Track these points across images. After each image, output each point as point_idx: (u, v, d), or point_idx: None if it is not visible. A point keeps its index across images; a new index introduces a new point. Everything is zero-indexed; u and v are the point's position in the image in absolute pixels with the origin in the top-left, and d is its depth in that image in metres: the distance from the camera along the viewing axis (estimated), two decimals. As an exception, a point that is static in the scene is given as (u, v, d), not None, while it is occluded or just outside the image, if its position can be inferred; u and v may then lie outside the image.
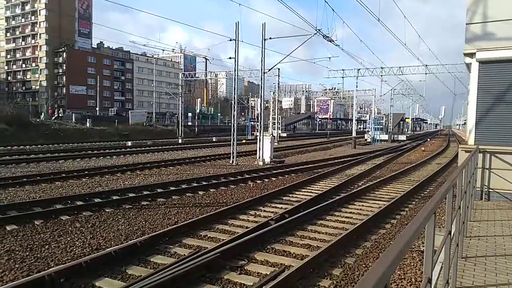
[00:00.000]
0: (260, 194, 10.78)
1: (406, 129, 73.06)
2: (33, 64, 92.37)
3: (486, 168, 8.20)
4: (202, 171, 15.77)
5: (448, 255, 3.10)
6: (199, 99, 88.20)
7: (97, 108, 70.34)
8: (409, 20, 24.65)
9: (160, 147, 27.42)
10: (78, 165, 17.01)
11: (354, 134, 35.65)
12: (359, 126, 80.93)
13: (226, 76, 44.35)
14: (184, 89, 49.87)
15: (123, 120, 54.85)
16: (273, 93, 42.05)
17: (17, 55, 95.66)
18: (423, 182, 13.21)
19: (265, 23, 19.43)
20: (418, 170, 17.57)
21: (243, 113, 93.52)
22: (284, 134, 49.08)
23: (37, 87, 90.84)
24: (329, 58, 31.70)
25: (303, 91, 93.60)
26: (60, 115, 55.60)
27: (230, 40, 20.23)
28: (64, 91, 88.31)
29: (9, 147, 24.93)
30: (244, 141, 34.23)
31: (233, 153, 19.08)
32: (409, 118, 74.75)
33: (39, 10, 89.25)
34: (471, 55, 8.45)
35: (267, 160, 19.19)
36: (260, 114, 20.59)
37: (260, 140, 19.78)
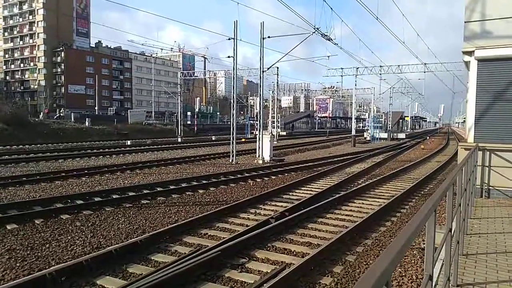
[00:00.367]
0: (260, 193, 10.79)
1: (406, 128, 73.14)
2: (31, 64, 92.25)
3: (486, 165, 8.22)
4: (202, 170, 15.77)
5: (449, 252, 3.10)
6: (198, 98, 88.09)
7: (96, 108, 70.22)
8: (408, 18, 24.66)
9: (159, 146, 27.41)
10: (77, 164, 17.00)
11: (353, 132, 35.69)
12: (359, 124, 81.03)
13: (225, 75, 44.30)
14: (183, 88, 49.82)
15: (122, 119, 54.78)
16: (272, 91, 42.03)
17: (15, 55, 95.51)
18: (423, 180, 13.22)
19: (263, 22, 19.40)
20: (417, 168, 17.60)
21: (242, 112, 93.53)
22: (284, 133, 49.10)
23: (36, 86, 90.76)
24: (328, 56, 31.80)
25: (302, 89, 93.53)
26: (61, 114, 55.50)
27: (229, 39, 20.23)
28: (63, 90, 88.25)
29: (8, 147, 24.90)
30: (243, 140, 34.24)
31: (232, 151, 19.09)
32: (408, 116, 74.81)
33: (37, 10, 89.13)
34: (470, 53, 8.45)
35: (267, 158, 19.20)
36: (260, 112, 20.57)
37: (259, 139, 19.78)
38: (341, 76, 43.35)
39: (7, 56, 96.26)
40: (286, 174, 15.10)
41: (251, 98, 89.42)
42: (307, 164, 17.75)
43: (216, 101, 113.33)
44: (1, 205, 8.71)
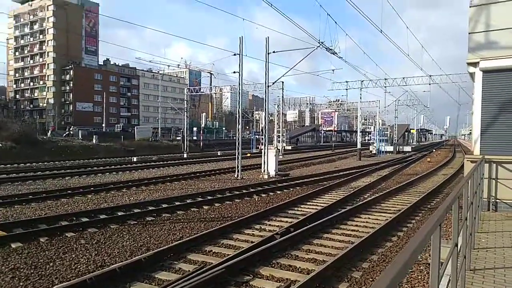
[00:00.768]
0: (265, 208, 10.73)
1: (411, 140, 72.63)
2: (41, 82, 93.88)
3: (492, 178, 8.10)
4: (207, 186, 15.76)
5: (455, 267, 3.04)
6: (204, 113, 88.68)
7: (104, 125, 70.99)
8: (412, 30, 24.82)
9: (165, 162, 27.49)
10: (84, 181, 17.08)
11: (359, 146, 35.52)
12: (364, 138, 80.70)
13: (231, 90, 44.70)
14: (189, 103, 50.25)
15: (129, 136, 55.26)
16: (278, 106, 42.17)
17: (25, 74, 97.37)
18: (430, 194, 13.07)
19: (268, 37, 19.65)
20: (424, 182, 17.41)
21: (247, 127, 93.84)
22: (289, 147, 49.03)
23: (45, 104, 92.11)
24: (333, 70, 31.83)
25: (307, 103, 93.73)
26: (71, 132, 56.05)
27: (235, 54, 20.46)
28: (71, 108, 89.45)
29: (15, 165, 25.14)
30: (249, 154, 34.24)
31: (238, 167, 19.07)
32: (414, 129, 74.37)
33: (47, 29, 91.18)
34: (475, 64, 8.44)
35: (272, 173, 19.14)
36: (265, 127, 20.62)
37: (264, 154, 19.78)
38: (346, 89, 43.34)
39: (17, 75, 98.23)
40: (292, 189, 15.02)
41: (256, 112, 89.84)
42: (312, 179, 17.66)
43: (222, 116, 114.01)
44: (7, 223, 8.75)
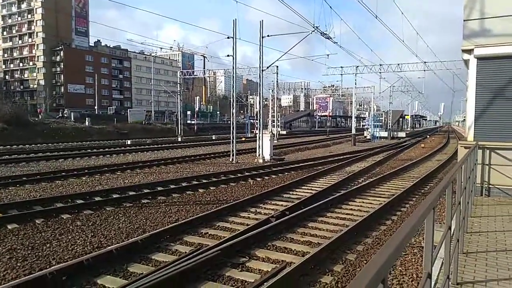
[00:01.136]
0: (260, 192, 10.80)
1: (406, 126, 73.09)
2: (31, 63, 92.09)
3: (485, 164, 8.22)
4: (202, 169, 15.78)
5: (448, 250, 3.11)
6: (198, 97, 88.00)
7: (96, 107, 70.17)
8: (407, 16, 24.60)
9: (159, 146, 27.42)
10: (78, 164, 17.00)
11: (353, 131, 35.68)
12: (359, 123, 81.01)
13: (225, 74, 44.27)
14: (182, 87, 49.77)
15: (122, 118, 54.71)
16: (272, 90, 42.02)
17: (14, 54, 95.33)
18: (424, 179, 13.23)
19: (262, 20, 19.37)
20: (418, 167, 17.61)
21: (242, 111, 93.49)
22: (284, 132, 49.08)
23: (35, 86, 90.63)
24: (328, 55, 31.76)
25: (302, 88, 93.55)
26: (65, 115, 55.31)
27: (228, 37, 20.20)
28: (62, 89, 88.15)
29: (8, 146, 24.90)
30: (243, 139, 34.24)
31: (232, 151, 19.09)
32: (408, 115, 74.75)
33: (36, 9, 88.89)
34: (469, 51, 8.44)
35: (267, 157, 19.20)
36: (259, 111, 20.56)
37: (259, 138, 19.79)
38: (341, 74, 43.27)
39: (6, 55, 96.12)
40: (286, 173, 15.11)
41: (251, 97, 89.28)
42: (307, 163, 17.75)
43: (216, 100, 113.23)
44: (2, 204, 8.72)
